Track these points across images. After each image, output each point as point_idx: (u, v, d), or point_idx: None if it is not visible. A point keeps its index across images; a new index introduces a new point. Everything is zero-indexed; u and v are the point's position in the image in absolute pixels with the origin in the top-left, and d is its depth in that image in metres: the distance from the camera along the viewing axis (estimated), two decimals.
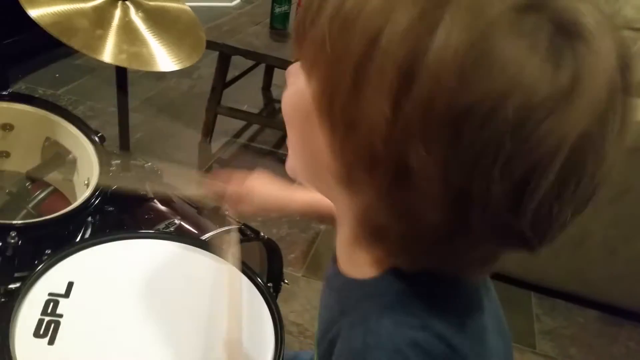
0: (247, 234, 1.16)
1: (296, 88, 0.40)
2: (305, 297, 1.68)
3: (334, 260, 0.48)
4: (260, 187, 0.73)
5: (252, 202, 0.72)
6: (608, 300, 1.73)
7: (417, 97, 0.31)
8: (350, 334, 0.40)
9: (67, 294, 0.72)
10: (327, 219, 0.64)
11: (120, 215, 1.11)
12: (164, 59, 0.90)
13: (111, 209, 1.10)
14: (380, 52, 0.32)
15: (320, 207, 0.69)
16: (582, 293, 1.70)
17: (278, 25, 2.19)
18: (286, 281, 1.36)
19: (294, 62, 0.42)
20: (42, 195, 1.09)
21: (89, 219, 0.99)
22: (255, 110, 2.72)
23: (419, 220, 0.35)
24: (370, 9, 0.32)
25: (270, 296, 0.80)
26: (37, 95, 2.47)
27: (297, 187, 0.70)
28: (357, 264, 0.43)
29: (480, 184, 0.32)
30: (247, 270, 0.83)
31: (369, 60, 0.32)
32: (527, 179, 0.31)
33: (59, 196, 1.10)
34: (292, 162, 0.44)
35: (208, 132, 2.33)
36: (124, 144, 1.09)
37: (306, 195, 0.71)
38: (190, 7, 3.68)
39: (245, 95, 2.80)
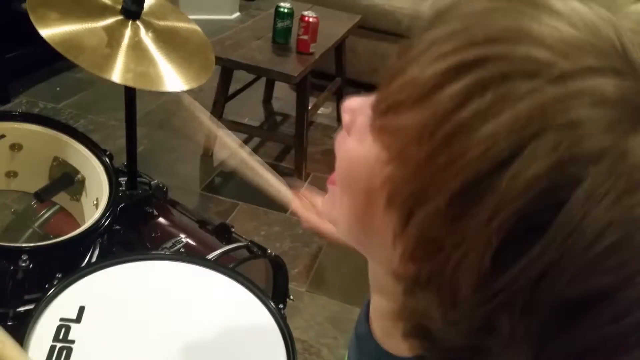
0: (254, 251, 1.16)
1: (360, 153, 0.33)
2: (309, 312, 1.67)
3: (367, 317, 0.44)
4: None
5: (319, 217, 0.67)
6: None
7: (532, 264, 0.25)
8: None
9: (78, 319, 0.72)
10: None
11: (127, 233, 1.11)
12: (172, 79, 0.90)
13: (118, 227, 1.10)
14: (497, 189, 0.25)
15: None
16: None
17: (280, 40, 2.20)
18: (292, 297, 1.36)
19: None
20: (48, 214, 1.09)
21: (98, 239, 0.98)
22: (257, 124, 2.72)
23: (483, 354, 0.30)
24: (498, 128, 0.25)
25: (283, 321, 0.80)
26: (37, 109, 2.49)
27: None
28: (394, 338, 0.38)
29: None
30: (257, 290, 0.83)
31: (479, 193, 0.26)
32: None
33: (65, 215, 1.09)
34: (334, 215, 0.39)
35: (210, 145, 2.32)
36: (132, 162, 1.09)
37: None
38: (192, 20, 3.69)
39: (247, 108, 2.80)
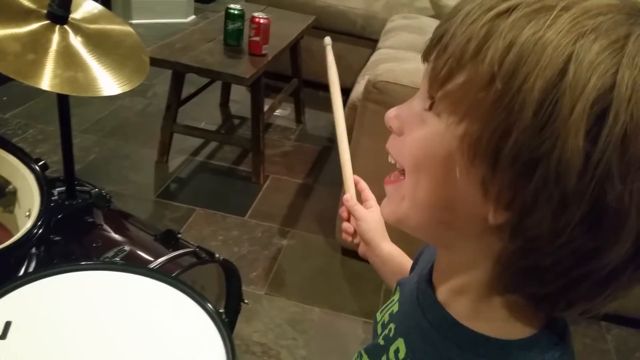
0: (202, 257, 1.14)
1: (425, 131, 0.37)
2: (268, 315, 1.66)
3: (426, 292, 0.45)
4: (370, 219, 0.69)
5: (358, 225, 0.69)
6: None
7: (614, 131, 0.30)
8: None
9: (3, 335, 0.69)
10: (397, 275, 0.60)
11: (67, 244, 1.08)
12: (102, 83, 0.87)
13: (57, 238, 1.07)
14: (568, 85, 0.30)
15: (402, 262, 0.66)
16: None
17: (231, 42, 2.18)
18: (246, 301, 1.35)
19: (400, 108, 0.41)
20: None
21: (33, 250, 0.95)
22: (214, 127, 2.69)
23: (591, 258, 0.33)
24: (553, 39, 0.31)
25: (222, 322, 0.79)
26: None
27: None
28: (486, 316, 0.40)
29: None
30: (196, 296, 0.81)
31: (556, 95, 0.31)
32: None
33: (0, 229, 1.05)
34: (404, 210, 0.41)
35: (164, 151, 2.29)
36: (69, 170, 1.06)
37: (393, 246, 0.68)
38: (145, 23, 3.65)
39: (203, 112, 2.77)
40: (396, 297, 0.53)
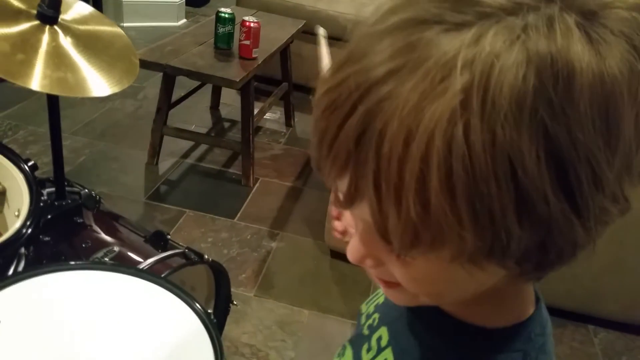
0: (191, 258, 1.15)
1: (416, 271, 0.34)
2: (258, 317, 1.67)
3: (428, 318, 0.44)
4: None
5: (347, 224, 0.70)
6: (551, 303, 1.79)
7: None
8: None
9: None
10: None
11: (56, 244, 1.08)
12: (92, 84, 0.88)
13: (47, 239, 1.07)
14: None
15: None
16: None
17: (222, 45, 2.19)
18: (235, 302, 1.35)
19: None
20: None
21: (22, 250, 0.95)
22: (204, 130, 2.70)
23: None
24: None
25: (211, 322, 0.79)
26: None
27: None
28: (474, 310, 0.40)
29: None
30: (184, 296, 0.82)
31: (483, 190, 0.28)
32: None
33: None
34: (423, 301, 0.39)
35: (154, 153, 2.29)
36: (59, 170, 1.06)
37: None
38: (136, 27, 3.65)
39: (193, 115, 2.77)
40: (381, 290, 0.54)
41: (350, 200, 0.32)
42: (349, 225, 0.40)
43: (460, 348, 0.41)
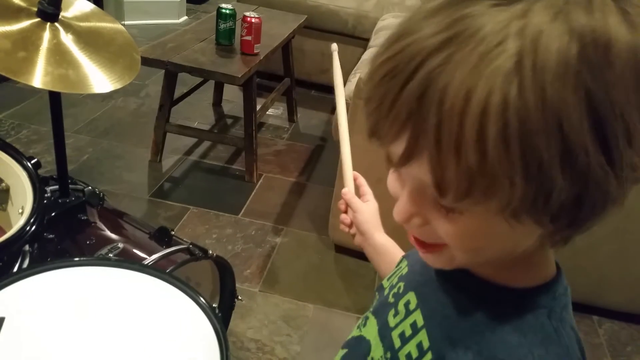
0: (196, 253, 1.15)
1: (464, 226, 0.37)
2: (263, 312, 1.67)
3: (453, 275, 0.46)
4: (366, 211, 0.73)
5: (354, 217, 0.73)
6: None
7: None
8: (524, 342, 0.40)
9: None
10: (389, 264, 0.65)
11: (60, 242, 1.08)
12: (93, 80, 0.88)
13: (51, 236, 1.07)
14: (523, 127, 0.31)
15: (394, 253, 0.70)
16: None
17: (223, 42, 2.19)
18: (240, 297, 1.35)
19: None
20: None
21: (26, 247, 0.96)
22: (207, 127, 2.70)
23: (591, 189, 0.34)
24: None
25: (215, 316, 0.79)
26: None
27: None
28: (499, 275, 0.43)
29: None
30: (189, 291, 0.82)
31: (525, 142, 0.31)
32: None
33: None
34: (460, 263, 0.42)
35: (157, 150, 2.29)
36: (62, 168, 1.06)
37: (386, 237, 0.72)
38: (138, 24, 3.65)
39: (196, 112, 2.78)
40: (403, 264, 0.56)
41: (407, 158, 0.35)
42: (395, 187, 0.42)
43: (488, 304, 0.43)
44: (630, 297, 1.77)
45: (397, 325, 0.50)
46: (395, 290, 0.53)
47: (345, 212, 0.75)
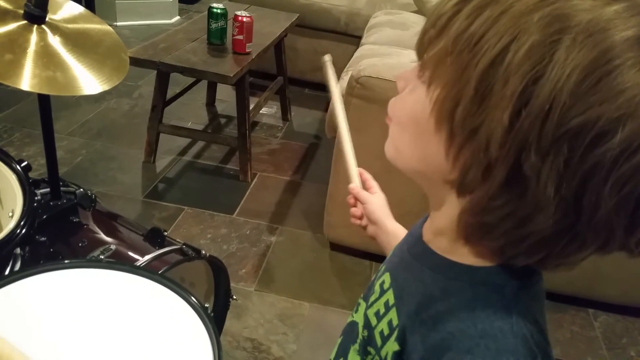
0: (189, 254, 1.15)
1: (414, 95, 0.43)
2: (259, 311, 1.67)
3: (415, 235, 0.51)
4: (375, 202, 0.76)
5: (364, 208, 0.76)
6: (551, 288, 1.80)
7: (534, 110, 0.34)
8: (472, 316, 0.41)
9: None
10: None
11: (52, 244, 1.08)
12: (82, 82, 0.88)
13: (43, 239, 1.07)
14: (505, 66, 0.35)
15: None
16: None
17: (215, 41, 2.19)
18: (235, 297, 1.35)
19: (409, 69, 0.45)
20: None
21: (18, 250, 0.95)
22: (200, 127, 2.70)
23: (526, 221, 0.37)
24: (498, 29, 0.35)
25: (207, 315, 0.79)
26: None
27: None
28: (460, 252, 0.45)
29: (590, 198, 0.35)
30: (180, 291, 0.82)
31: (494, 73, 0.35)
32: (638, 199, 0.35)
33: None
34: (395, 154, 0.47)
35: (151, 151, 2.29)
36: (53, 170, 1.06)
37: (397, 224, 0.74)
38: (130, 25, 3.64)
39: (190, 112, 2.77)
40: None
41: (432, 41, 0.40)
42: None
43: (445, 280, 0.45)
44: (624, 289, 1.78)
45: (372, 304, 0.52)
46: (378, 273, 0.56)
47: (355, 206, 0.77)
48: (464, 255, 0.44)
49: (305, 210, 2.15)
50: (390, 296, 0.50)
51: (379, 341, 0.49)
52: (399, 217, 0.74)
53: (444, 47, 0.38)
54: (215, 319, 1.30)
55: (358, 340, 0.54)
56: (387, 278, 0.52)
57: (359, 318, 0.55)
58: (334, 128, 1.79)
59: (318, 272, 1.87)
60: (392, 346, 0.47)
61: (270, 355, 1.54)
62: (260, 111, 2.69)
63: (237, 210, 2.10)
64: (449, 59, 0.38)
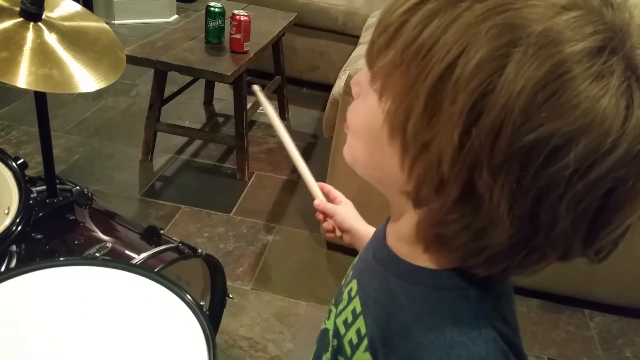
0: (185, 252, 1.15)
1: (367, 104, 0.41)
2: (255, 310, 1.67)
3: (379, 239, 0.50)
4: (343, 211, 0.75)
5: (334, 220, 0.75)
6: (546, 288, 1.80)
7: (485, 128, 0.33)
8: (439, 324, 0.41)
9: None
10: None
11: (49, 242, 1.08)
12: (78, 80, 0.88)
13: (39, 236, 1.07)
14: (453, 81, 0.33)
15: None
16: (523, 283, 1.76)
17: (213, 40, 2.18)
18: (231, 295, 1.35)
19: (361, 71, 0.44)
20: None
21: (14, 248, 0.95)
22: (198, 126, 2.69)
23: (482, 235, 0.36)
24: (447, 40, 0.34)
25: (202, 313, 0.80)
26: None
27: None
28: (422, 257, 0.44)
29: (546, 215, 0.34)
30: (175, 288, 0.82)
31: (442, 89, 0.34)
32: (595, 213, 0.34)
33: None
34: (352, 160, 0.46)
35: (148, 150, 2.29)
36: (49, 168, 1.06)
37: (370, 227, 0.74)
38: (128, 24, 3.63)
39: (187, 110, 2.77)
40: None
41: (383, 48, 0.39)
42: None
43: (410, 286, 0.44)
44: (620, 290, 1.78)
45: (340, 313, 0.51)
46: (347, 279, 0.55)
47: (325, 221, 0.77)
48: (426, 260, 0.43)
49: (303, 209, 2.15)
50: (357, 304, 0.49)
51: (348, 350, 0.48)
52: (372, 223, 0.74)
53: (393, 58, 0.37)
54: (211, 318, 1.30)
55: (329, 349, 0.53)
56: (354, 285, 0.51)
57: (330, 325, 0.54)
58: (332, 127, 1.79)
59: (315, 271, 1.88)
60: (362, 356, 0.46)
61: (266, 354, 1.54)
62: (258, 110, 2.69)
63: (234, 209, 2.10)
64: (397, 71, 0.37)
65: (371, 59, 0.40)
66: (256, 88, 0.83)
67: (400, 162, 0.39)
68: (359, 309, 0.48)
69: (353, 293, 0.50)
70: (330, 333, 0.53)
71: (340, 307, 0.52)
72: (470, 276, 0.41)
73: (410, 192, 0.39)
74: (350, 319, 0.49)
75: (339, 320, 0.51)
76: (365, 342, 0.46)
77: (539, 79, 0.31)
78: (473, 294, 0.41)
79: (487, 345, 0.39)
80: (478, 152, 0.33)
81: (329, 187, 0.78)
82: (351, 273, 0.54)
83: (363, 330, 0.47)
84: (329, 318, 0.56)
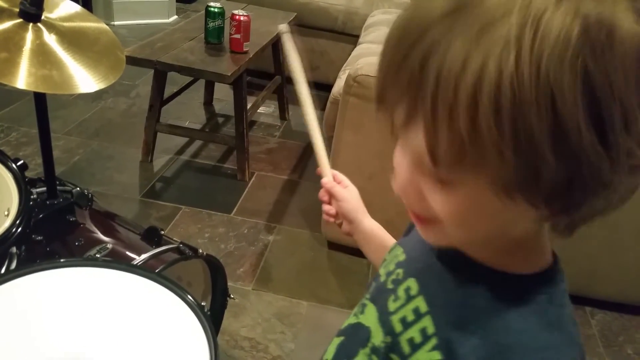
0: (185, 252, 1.15)
1: (456, 197, 0.38)
2: (257, 310, 1.67)
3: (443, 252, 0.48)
4: (350, 200, 0.72)
5: (339, 206, 0.72)
6: None
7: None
8: (528, 329, 0.41)
9: None
10: (380, 249, 0.65)
11: (49, 243, 1.08)
12: (78, 80, 0.88)
13: (39, 238, 1.07)
14: (506, 112, 0.32)
15: (383, 237, 0.70)
16: None
17: (213, 40, 2.18)
18: (232, 296, 1.35)
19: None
20: None
21: (14, 250, 0.95)
22: (198, 126, 2.69)
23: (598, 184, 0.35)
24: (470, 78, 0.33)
25: (203, 313, 0.79)
26: None
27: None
28: (504, 261, 0.43)
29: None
30: (177, 289, 0.82)
31: (510, 125, 0.32)
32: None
33: None
34: (454, 241, 0.43)
35: (148, 150, 2.28)
36: (49, 169, 1.06)
37: (373, 221, 0.72)
38: (127, 25, 3.63)
39: (187, 111, 2.77)
40: (399, 251, 0.56)
41: (406, 124, 0.37)
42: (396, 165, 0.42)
43: (489, 290, 0.43)
44: (621, 287, 1.78)
45: (397, 310, 0.50)
46: (393, 276, 0.53)
47: (329, 202, 0.73)
48: (508, 260, 0.43)
49: (303, 209, 2.15)
50: (420, 303, 0.48)
51: (406, 348, 0.47)
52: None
53: (458, 138, 0.34)
54: (212, 318, 1.29)
55: (369, 345, 0.52)
56: (413, 284, 0.50)
57: (368, 321, 0.53)
58: (332, 127, 1.79)
59: (316, 271, 1.87)
60: (428, 355, 0.45)
61: (268, 354, 1.54)
62: (258, 110, 2.69)
63: (235, 209, 2.10)
64: (467, 150, 0.34)
65: (445, 165, 0.36)
66: (284, 29, 0.76)
67: (534, 205, 0.36)
68: (424, 309, 0.47)
69: (413, 292, 0.49)
70: (373, 329, 0.52)
71: (396, 305, 0.50)
72: (550, 281, 0.42)
73: (546, 217, 0.37)
74: (410, 318, 0.48)
75: (395, 318, 0.49)
76: (433, 342, 0.45)
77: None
78: (556, 300, 0.42)
79: (571, 349, 0.40)
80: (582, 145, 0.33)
81: (334, 171, 0.74)
82: (401, 271, 0.52)
83: (431, 330, 0.46)
84: (363, 313, 0.55)
